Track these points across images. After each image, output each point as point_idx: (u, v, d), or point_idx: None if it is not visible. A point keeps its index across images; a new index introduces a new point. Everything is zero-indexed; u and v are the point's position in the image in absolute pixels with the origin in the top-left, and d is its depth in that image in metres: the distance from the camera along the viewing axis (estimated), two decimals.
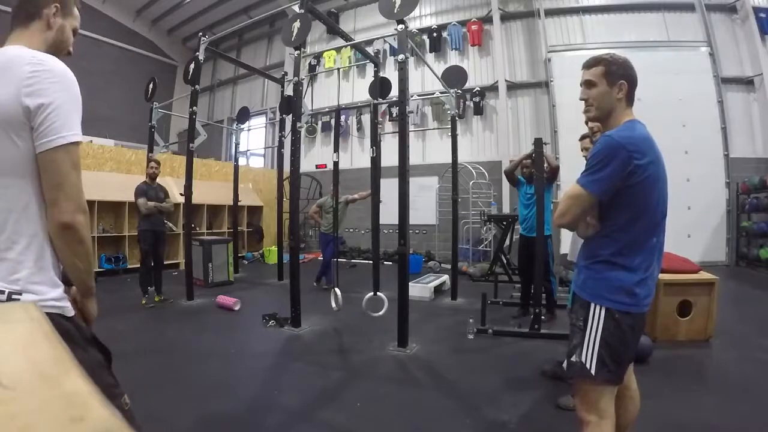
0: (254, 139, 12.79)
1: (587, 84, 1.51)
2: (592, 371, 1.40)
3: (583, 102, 1.54)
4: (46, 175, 0.99)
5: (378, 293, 4.10)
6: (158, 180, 5.21)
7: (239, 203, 8.13)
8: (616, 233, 1.42)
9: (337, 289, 4.28)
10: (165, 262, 5.89)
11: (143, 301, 5.03)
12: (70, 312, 1.05)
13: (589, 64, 1.52)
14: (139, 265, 5.43)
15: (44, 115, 0.96)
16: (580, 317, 1.47)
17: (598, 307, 1.42)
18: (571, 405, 2.17)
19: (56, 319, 0.96)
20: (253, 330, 4.20)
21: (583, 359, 1.42)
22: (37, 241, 1.01)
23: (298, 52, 4.32)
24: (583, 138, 2.87)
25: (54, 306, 1.00)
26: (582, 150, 2.86)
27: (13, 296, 0.96)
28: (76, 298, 1.12)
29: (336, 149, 4.66)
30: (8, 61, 0.98)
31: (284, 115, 6.81)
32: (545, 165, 4.12)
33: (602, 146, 1.39)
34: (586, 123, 2.12)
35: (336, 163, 4.64)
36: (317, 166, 11.04)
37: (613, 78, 1.46)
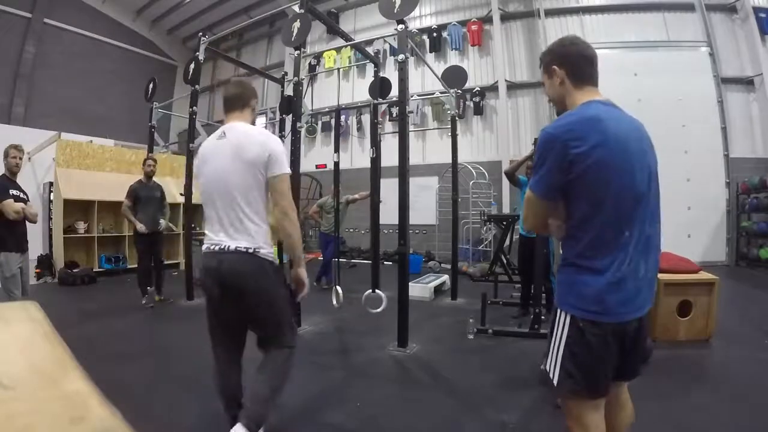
0: None
1: (544, 86, 1.52)
2: (555, 381, 1.28)
3: None
4: (273, 193, 1.86)
5: (377, 290, 4.09)
6: (159, 180, 5.20)
7: None
8: (575, 231, 1.28)
9: (338, 287, 4.28)
10: (165, 262, 5.89)
11: (143, 301, 5.03)
12: (276, 261, 1.93)
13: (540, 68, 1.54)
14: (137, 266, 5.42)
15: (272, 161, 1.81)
16: (551, 323, 1.37)
17: (563, 314, 1.29)
18: None
19: (269, 264, 1.86)
20: None
21: (548, 368, 1.31)
22: (265, 227, 1.86)
23: (298, 52, 4.31)
24: None
25: (269, 256, 1.85)
26: None
27: (256, 249, 1.80)
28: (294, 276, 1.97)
29: (336, 149, 4.67)
30: (246, 132, 1.86)
31: (284, 115, 6.78)
32: None
33: (539, 142, 1.29)
34: None
35: (336, 163, 4.65)
36: (317, 166, 11.03)
37: (548, 69, 1.44)
